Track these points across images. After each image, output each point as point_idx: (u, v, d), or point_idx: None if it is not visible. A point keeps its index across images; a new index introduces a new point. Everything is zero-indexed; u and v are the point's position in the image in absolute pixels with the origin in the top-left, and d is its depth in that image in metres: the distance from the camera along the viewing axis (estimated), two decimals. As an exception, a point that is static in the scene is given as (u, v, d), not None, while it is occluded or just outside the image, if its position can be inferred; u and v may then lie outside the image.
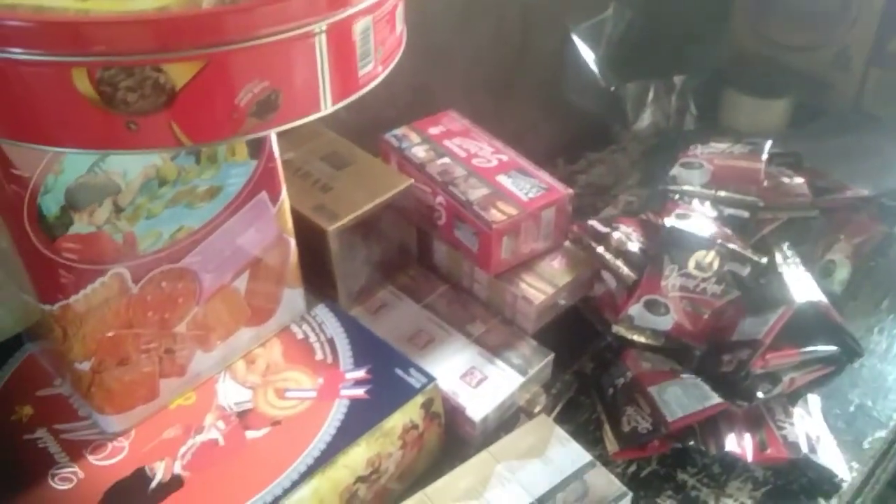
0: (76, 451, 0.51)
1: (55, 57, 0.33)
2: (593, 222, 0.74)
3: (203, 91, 0.35)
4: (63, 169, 0.42)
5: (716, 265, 0.66)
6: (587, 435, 0.63)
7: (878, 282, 0.79)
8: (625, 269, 0.68)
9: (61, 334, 0.47)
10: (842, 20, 1.01)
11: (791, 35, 1.06)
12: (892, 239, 0.80)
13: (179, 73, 0.34)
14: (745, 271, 0.66)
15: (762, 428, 0.61)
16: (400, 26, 0.45)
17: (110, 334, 0.49)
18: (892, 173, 0.88)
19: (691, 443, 0.59)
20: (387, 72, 0.43)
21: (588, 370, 0.68)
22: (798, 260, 0.70)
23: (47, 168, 0.42)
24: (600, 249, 0.70)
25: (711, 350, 0.64)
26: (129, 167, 0.45)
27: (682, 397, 0.61)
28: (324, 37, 0.37)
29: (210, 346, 0.56)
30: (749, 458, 0.59)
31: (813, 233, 0.74)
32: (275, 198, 0.55)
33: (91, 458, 0.51)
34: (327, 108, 0.40)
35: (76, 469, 0.50)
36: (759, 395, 0.61)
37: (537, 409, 0.63)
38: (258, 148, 0.52)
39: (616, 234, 0.71)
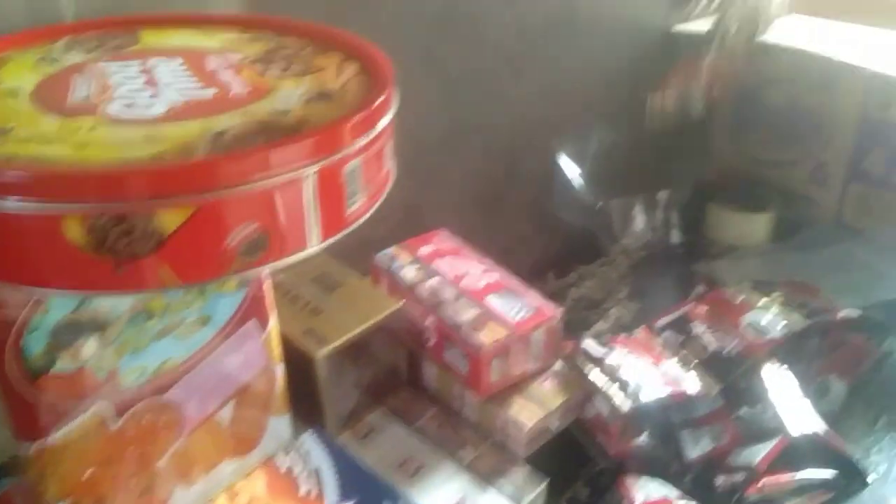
0: None
1: (49, 205, 0.34)
2: (586, 345, 0.72)
3: (193, 235, 0.35)
4: (50, 308, 0.42)
5: None
6: (584, 568, 0.60)
7: (871, 400, 0.78)
8: (617, 399, 0.67)
9: (37, 474, 0.46)
10: (816, 138, 1.05)
11: (768, 151, 1.10)
12: (885, 356, 0.79)
13: (170, 219, 0.35)
14: None
15: (764, 561, 0.58)
16: (388, 164, 0.46)
17: (88, 473, 0.47)
18: (880, 286, 0.89)
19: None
20: (374, 208, 0.44)
21: (583, 497, 0.66)
22: (793, 382, 0.69)
23: (34, 307, 0.42)
24: (593, 375, 0.69)
25: (707, 468, 0.63)
26: (116, 303, 0.45)
27: (681, 528, 0.59)
28: (313, 179, 0.38)
29: (191, 481, 0.54)
30: None
31: (806, 353, 0.74)
32: (263, 325, 0.55)
33: None
34: (315, 245, 0.41)
35: None
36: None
37: (531, 540, 0.61)
38: (248, 277, 0.52)
39: (608, 360, 0.70)
